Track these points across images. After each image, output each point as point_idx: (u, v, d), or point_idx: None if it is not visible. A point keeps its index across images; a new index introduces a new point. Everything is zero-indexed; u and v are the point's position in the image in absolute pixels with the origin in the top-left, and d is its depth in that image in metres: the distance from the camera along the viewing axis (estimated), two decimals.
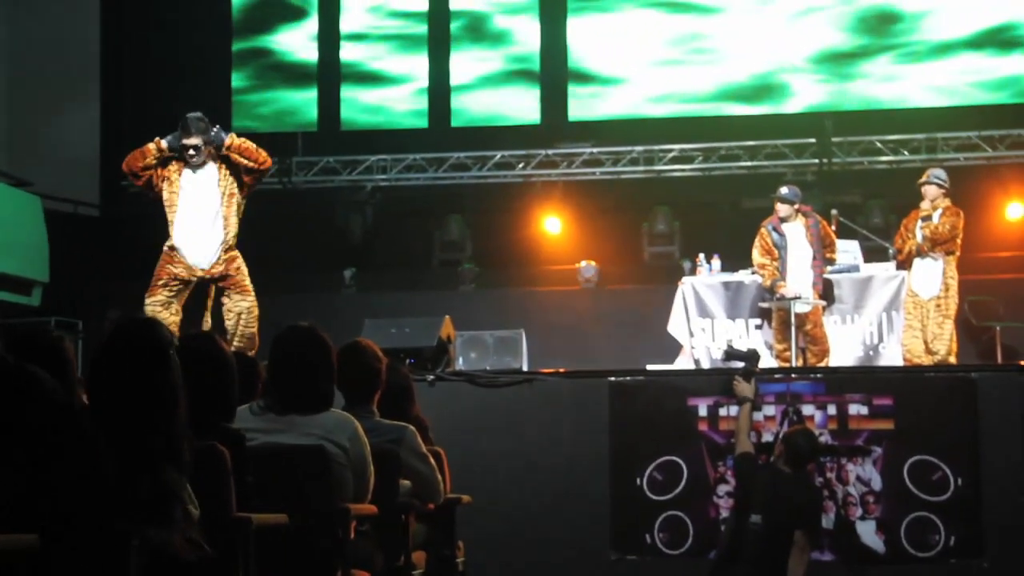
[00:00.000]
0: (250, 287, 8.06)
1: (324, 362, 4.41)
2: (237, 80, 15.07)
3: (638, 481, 7.88)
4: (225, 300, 8.05)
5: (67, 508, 3.05)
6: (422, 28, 14.93)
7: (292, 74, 15.11)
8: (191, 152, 7.87)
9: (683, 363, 10.31)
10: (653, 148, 13.92)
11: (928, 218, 9.71)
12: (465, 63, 14.82)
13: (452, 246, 14.05)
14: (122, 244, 13.32)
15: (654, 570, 7.79)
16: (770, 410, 7.85)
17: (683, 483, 7.86)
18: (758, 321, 10.29)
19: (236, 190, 8.00)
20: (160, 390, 3.33)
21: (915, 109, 13.95)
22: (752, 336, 10.25)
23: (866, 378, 8.12)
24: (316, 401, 4.38)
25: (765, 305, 10.06)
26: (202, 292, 8.20)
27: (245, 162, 7.92)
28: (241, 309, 8.01)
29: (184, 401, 3.39)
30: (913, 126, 13.56)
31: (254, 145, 8.00)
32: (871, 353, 10.17)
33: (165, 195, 7.98)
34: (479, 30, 14.88)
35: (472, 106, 14.85)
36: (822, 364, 9.61)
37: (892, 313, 10.12)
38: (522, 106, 14.75)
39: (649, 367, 9.30)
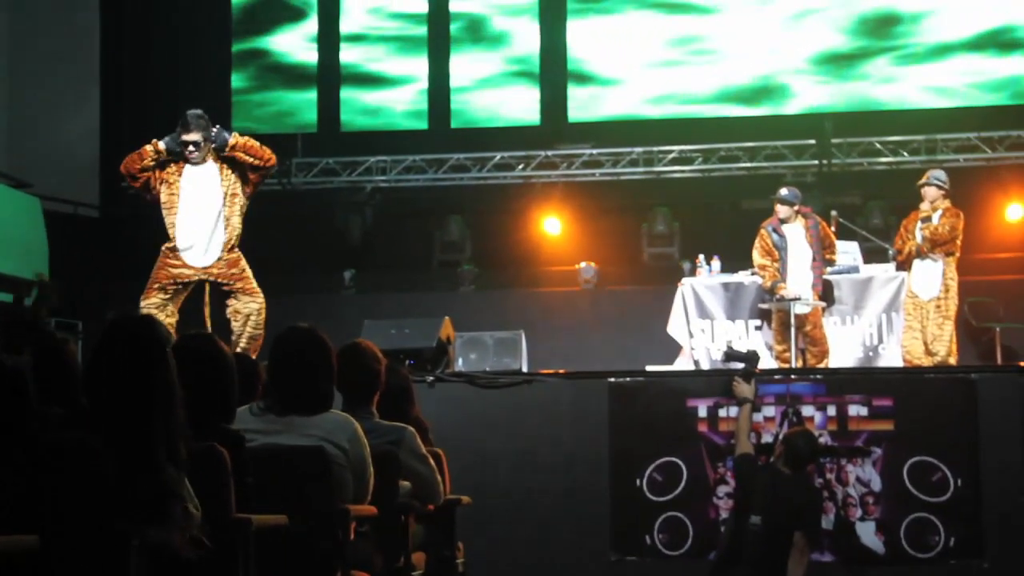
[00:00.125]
0: (258, 289, 8.04)
1: (324, 363, 4.41)
2: (237, 81, 15.07)
3: (638, 482, 7.88)
4: (232, 302, 8.02)
5: (67, 509, 3.05)
6: (422, 29, 14.93)
7: (292, 75, 15.11)
8: (191, 149, 7.82)
9: (683, 364, 10.31)
10: (653, 149, 13.91)
11: (928, 219, 9.71)
12: (465, 64, 14.82)
13: (452, 247, 14.05)
14: (122, 245, 13.32)
15: (654, 571, 7.80)
16: (770, 411, 7.86)
17: (683, 484, 7.86)
18: (758, 322, 10.29)
19: (239, 190, 7.95)
20: (156, 387, 3.33)
21: (915, 110, 13.95)
22: (752, 337, 10.25)
23: (866, 379, 8.13)
24: (316, 402, 4.38)
25: (765, 306, 10.06)
26: (199, 296, 8.18)
27: (250, 160, 7.88)
28: (251, 311, 7.98)
29: (180, 399, 3.39)
30: (913, 127, 13.56)
31: (258, 143, 7.97)
32: (871, 354, 10.17)
33: (164, 197, 7.94)
34: (479, 31, 14.88)
35: (472, 107, 14.85)
36: (822, 365, 9.61)
37: (892, 314, 10.12)
38: (522, 107, 14.75)
39: (649, 368, 9.30)
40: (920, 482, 7.68)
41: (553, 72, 14.64)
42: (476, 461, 7.36)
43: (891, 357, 10.02)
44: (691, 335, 10.39)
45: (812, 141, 13.50)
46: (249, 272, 8.04)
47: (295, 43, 15.13)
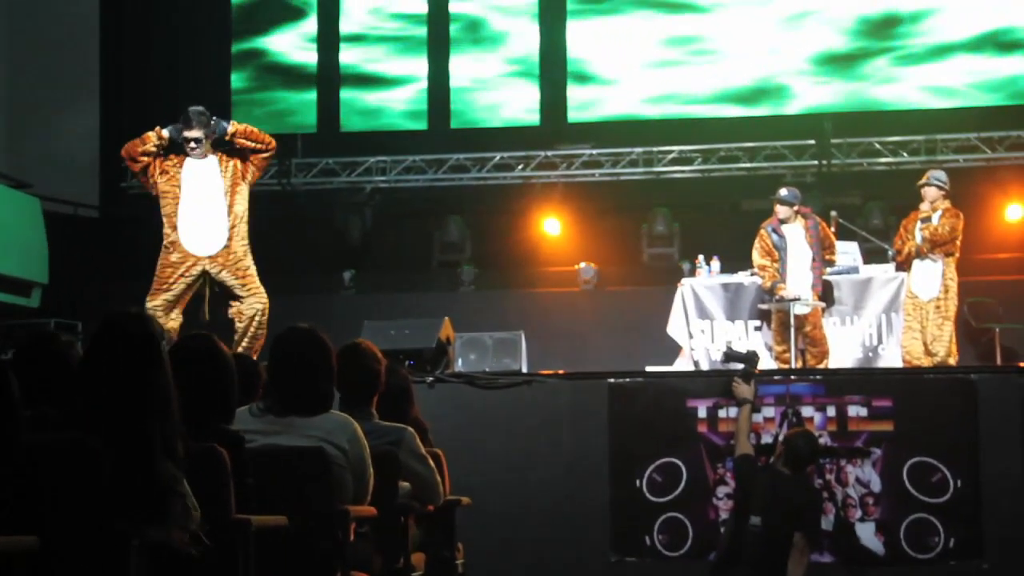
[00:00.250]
0: (261, 288, 8.07)
1: (324, 363, 4.41)
2: (236, 81, 15.08)
3: (637, 483, 7.88)
4: (235, 303, 8.04)
5: (66, 510, 3.05)
6: (421, 30, 14.93)
7: (291, 76, 15.11)
8: (192, 145, 7.92)
9: (682, 365, 10.30)
10: (652, 150, 13.91)
11: (928, 220, 9.71)
12: (464, 65, 14.82)
13: (451, 247, 14.05)
14: (121, 245, 13.33)
15: (654, 572, 7.79)
16: (769, 412, 7.85)
17: (682, 485, 7.86)
18: (757, 323, 10.29)
19: (241, 179, 8.03)
20: (152, 383, 3.34)
21: (914, 111, 13.95)
22: (751, 338, 10.24)
23: (865, 380, 8.13)
24: (316, 403, 4.38)
25: (764, 307, 10.05)
26: (201, 296, 8.19)
27: (251, 144, 8.00)
28: (254, 312, 8.01)
29: (176, 395, 3.40)
30: (912, 128, 13.56)
31: (256, 128, 8.11)
32: (870, 355, 10.17)
33: (164, 187, 8.01)
34: (478, 32, 14.88)
35: (471, 108, 14.85)
36: (822, 366, 9.61)
37: (891, 315, 10.12)
38: (521, 108, 14.76)
39: (648, 369, 9.29)
40: (920, 483, 7.68)
41: (553, 72, 14.64)
42: (476, 462, 7.36)
43: (891, 358, 10.02)
44: (691, 336, 10.39)
45: (812, 141, 13.50)
46: (254, 271, 8.07)
47: (295, 43, 15.13)
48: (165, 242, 8.02)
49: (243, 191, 8.04)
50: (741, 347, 9.17)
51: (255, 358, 7.81)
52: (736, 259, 10.65)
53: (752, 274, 10.25)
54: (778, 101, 14.30)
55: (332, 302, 12.99)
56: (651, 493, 7.88)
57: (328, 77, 14.99)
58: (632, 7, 14.60)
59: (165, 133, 7.94)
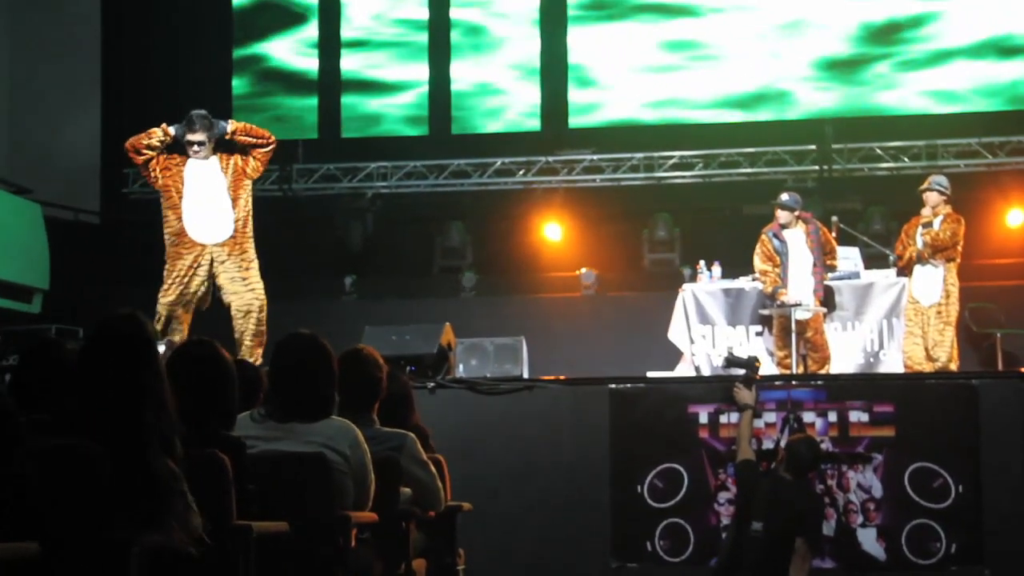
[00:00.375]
0: (260, 283, 8.16)
1: (325, 369, 4.41)
2: (238, 87, 15.08)
3: (639, 488, 7.88)
4: (233, 299, 8.10)
5: (65, 517, 3.05)
6: (423, 36, 14.94)
7: (293, 81, 15.12)
8: (195, 148, 8.05)
9: (683, 370, 10.30)
10: (653, 155, 13.91)
11: (929, 225, 9.71)
12: (465, 70, 14.83)
13: (452, 253, 14.05)
14: (122, 251, 13.33)
15: None
16: (771, 417, 7.85)
17: (684, 490, 7.86)
18: (759, 328, 10.28)
19: (242, 175, 8.16)
20: (146, 381, 3.34)
21: (915, 116, 13.94)
22: (753, 343, 10.24)
23: (867, 385, 8.12)
24: (317, 408, 4.38)
25: (766, 312, 10.05)
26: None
27: (251, 140, 8.15)
28: (251, 308, 8.12)
29: (171, 393, 3.41)
30: (913, 133, 13.55)
31: (254, 125, 8.29)
32: (872, 360, 10.16)
33: (166, 181, 8.12)
34: (479, 38, 14.88)
35: (473, 113, 14.86)
36: (823, 371, 9.60)
37: (893, 320, 10.11)
38: (522, 113, 14.76)
39: (649, 374, 9.29)
40: (921, 488, 7.67)
41: (553, 78, 14.64)
42: (477, 467, 7.36)
43: (892, 363, 10.01)
44: (692, 341, 10.38)
45: (813, 146, 13.50)
46: (257, 265, 8.17)
47: (296, 49, 15.14)
48: (170, 234, 8.11)
49: (247, 187, 8.20)
50: (742, 352, 9.16)
51: (260, 355, 7.88)
52: (737, 264, 10.64)
53: (753, 279, 10.25)
54: (779, 106, 14.30)
55: (333, 307, 12.99)
56: (652, 499, 7.87)
57: (329, 83, 15.00)
58: (633, 12, 14.60)
59: (171, 130, 8.06)
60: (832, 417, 7.83)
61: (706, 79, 14.39)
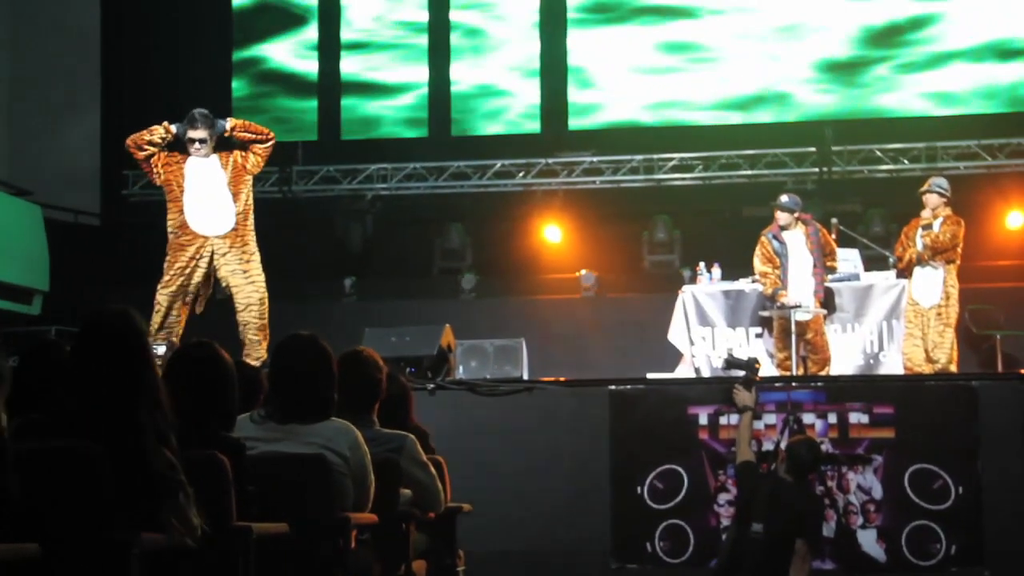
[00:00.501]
0: (262, 275, 8.19)
1: (325, 371, 4.41)
2: (237, 89, 15.09)
3: (639, 490, 7.88)
4: (235, 292, 8.14)
5: (65, 519, 3.05)
6: (422, 38, 14.94)
7: (292, 83, 15.13)
8: (197, 146, 8.11)
9: (683, 372, 10.30)
10: (653, 157, 13.92)
11: (929, 227, 9.71)
12: (465, 72, 14.83)
13: (452, 255, 14.05)
14: (122, 253, 13.34)
15: None
16: (771, 419, 7.86)
17: (684, 492, 7.86)
18: (758, 329, 10.28)
19: (242, 170, 8.20)
20: (139, 374, 3.34)
21: (915, 118, 13.95)
22: (752, 345, 10.24)
23: (867, 387, 8.13)
24: (317, 410, 4.37)
25: (766, 314, 10.05)
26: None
27: (251, 136, 8.20)
28: (252, 301, 8.15)
29: (163, 387, 3.41)
30: (913, 135, 13.55)
31: (253, 122, 8.36)
32: (871, 362, 10.16)
33: (167, 176, 8.17)
34: (479, 39, 14.89)
35: (472, 115, 14.86)
36: (823, 373, 9.60)
37: (892, 322, 10.11)
38: (522, 115, 14.76)
39: (649, 376, 9.29)
40: (921, 490, 7.68)
41: (553, 80, 14.65)
42: (477, 469, 7.35)
43: (892, 365, 10.01)
44: (692, 343, 10.38)
45: (813, 149, 13.49)
46: (259, 259, 8.22)
47: (296, 51, 15.14)
48: (172, 227, 8.18)
49: (247, 182, 8.26)
50: (742, 354, 9.15)
51: (265, 348, 7.91)
52: (737, 266, 10.64)
53: (753, 281, 10.25)
54: (779, 108, 14.31)
55: (333, 309, 12.99)
56: (652, 500, 7.88)
57: (329, 85, 15.00)
58: (633, 15, 14.61)
59: (173, 128, 8.12)
60: (832, 419, 7.84)
61: (706, 81, 14.40)
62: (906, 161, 13.49)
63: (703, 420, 7.94)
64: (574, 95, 14.65)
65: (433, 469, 5.11)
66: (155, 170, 8.16)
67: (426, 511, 5.10)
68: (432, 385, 8.21)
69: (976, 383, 7.89)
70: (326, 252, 14.10)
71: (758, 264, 9.94)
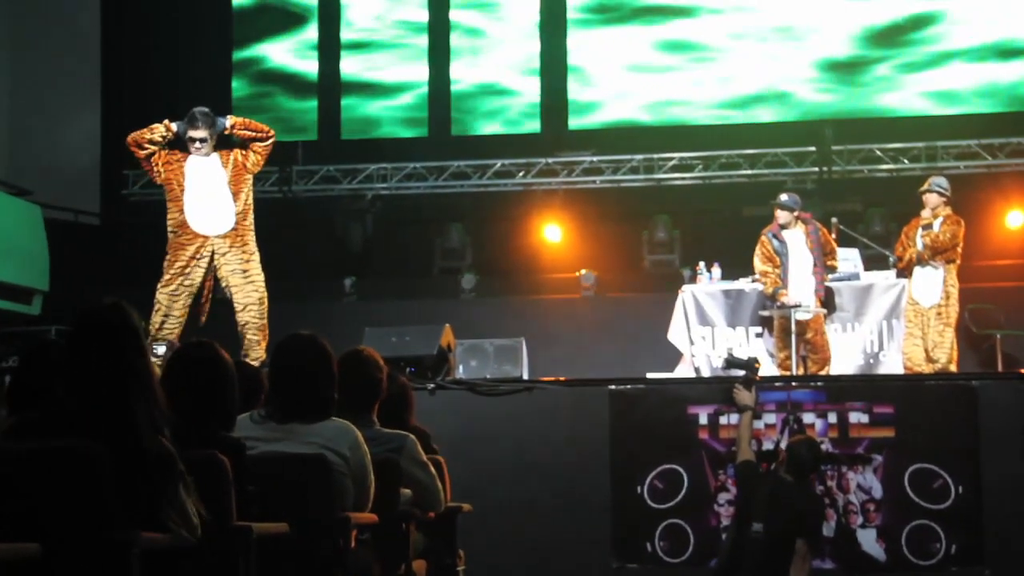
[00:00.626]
0: (261, 275, 8.19)
1: (325, 370, 4.41)
2: (237, 89, 15.09)
3: (639, 489, 7.88)
4: (235, 291, 8.13)
5: (65, 519, 3.05)
6: (422, 37, 14.94)
7: (292, 83, 15.13)
8: (197, 145, 8.10)
9: (683, 371, 10.30)
10: (653, 157, 13.92)
11: (929, 226, 9.71)
12: (465, 72, 14.83)
13: (452, 254, 14.05)
14: (122, 253, 13.34)
15: None
16: (771, 418, 7.85)
17: (684, 491, 7.86)
18: (758, 329, 10.28)
19: (242, 169, 8.20)
20: (133, 365, 3.34)
21: (915, 117, 13.95)
22: (752, 344, 10.24)
23: (867, 386, 8.12)
24: (317, 410, 4.37)
25: (766, 313, 10.05)
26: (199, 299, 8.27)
27: (251, 134, 8.21)
28: (251, 301, 8.16)
29: (157, 379, 3.42)
30: (913, 134, 13.55)
31: (253, 120, 8.36)
32: (871, 361, 10.16)
33: (167, 175, 8.17)
34: (479, 39, 14.89)
35: (472, 115, 14.86)
36: (823, 372, 9.60)
37: (892, 321, 10.11)
38: (522, 114, 14.76)
39: (649, 375, 9.29)
40: (921, 489, 7.68)
41: (553, 79, 14.65)
42: (477, 468, 7.35)
43: (892, 364, 10.01)
44: (692, 342, 10.38)
45: (812, 148, 13.49)
46: (258, 258, 8.22)
47: (296, 51, 15.14)
48: (172, 227, 8.17)
49: (247, 180, 8.26)
50: (742, 354, 9.16)
51: (264, 348, 7.91)
52: (737, 266, 10.64)
53: (753, 280, 10.25)
54: (779, 108, 14.31)
55: (333, 309, 12.99)
56: (652, 500, 7.87)
57: (329, 84, 15.00)
58: (632, 14, 14.61)
59: (174, 127, 8.12)
60: (832, 418, 7.84)
61: (706, 81, 14.40)
62: (906, 161, 13.49)
63: (703, 420, 7.94)
64: (574, 94, 14.65)
65: (433, 469, 5.11)
66: (155, 169, 8.18)
67: (426, 511, 5.10)
68: (432, 385, 8.21)
69: (976, 383, 7.89)
70: (326, 252, 14.10)
71: (758, 263, 9.94)
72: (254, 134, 8.22)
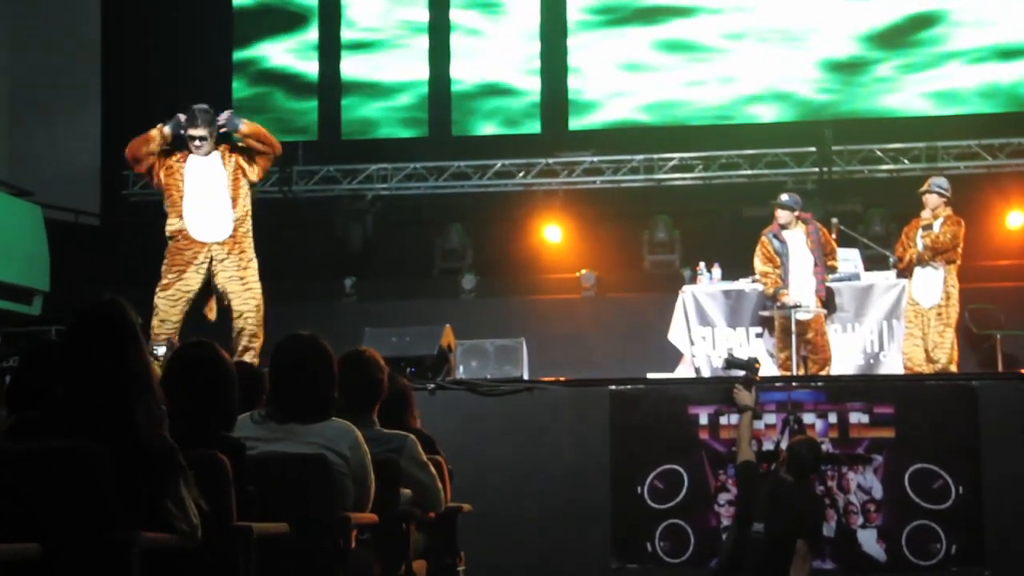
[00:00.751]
0: (258, 283, 8.15)
1: (325, 371, 4.41)
2: (238, 89, 15.09)
3: (639, 489, 7.88)
4: (232, 297, 8.10)
5: (65, 519, 3.05)
6: (423, 37, 14.94)
7: (293, 83, 15.13)
8: (197, 143, 8.04)
9: (684, 371, 10.30)
10: (653, 157, 13.92)
11: (929, 227, 9.71)
12: (465, 72, 14.83)
13: (452, 255, 14.06)
14: (122, 253, 13.34)
15: None
16: (771, 418, 7.86)
17: (684, 491, 7.86)
18: (759, 329, 10.28)
19: (243, 173, 8.14)
20: (131, 360, 3.34)
21: (915, 118, 13.95)
22: (753, 344, 10.24)
23: (867, 386, 8.13)
24: (317, 410, 4.37)
25: (766, 313, 10.05)
26: (202, 301, 8.26)
27: (259, 147, 8.13)
28: (247, 308, 8.10)
29: (155, 375, 3.42)
30: (913, 135, 13.56)
31: (266, 130, 8.27)
32: (872, 361, 10.16)
33: (167, 180, 8.13)
34: (479, 39, 14.89)
35: (472, 115, 14.86)
36: (824, 373, 9.60)
37: (893, 321, 10.11)
38: (522, 115, 14.77)
39: (649, 376, 9.29)
40: (921, 489, 7.68)
41: (554, 79, 14.65)
42: (477, 469, 7.36)
43: (892, 364, 10.01)
44: (692, 342, 10.38)
45: (813, 148, 13.49)
46: (256, 266, 8.16)
47: (296, 51, 15.14)
48: (170, 231, 8.12)
49: (246, 187, 8.19)
50: (742, 354, 9.15)
51: (255, 354, 7.89)
52: (737, 266, 10.64)
53: (753, 281, 10.25)
54: (779, 108, 14.30)
55: (333, 309, 13.00)
56: (652, 500, 7.87)
57: (329, 85, 15.01)
58: (633, 14, 14.61)
59: (168, 131, 8.04)
60: (832, 418, 7.84)
61: (706, 81, 14.39)
62: (906, 161, 13.49)
63: (703, 420, 7.94)
64: (574, 95, 14.65)
65: (433, 469, 5.11)
66: (156, 178, 8.13)
67: (426, 511, 5.10)
68: (432, 385, 8.21)
69: (976, 383, 7.89)
70: (326, 252, 14.10)
71: (758, 264, 9.94)
72: (262, 147, 8.12)
